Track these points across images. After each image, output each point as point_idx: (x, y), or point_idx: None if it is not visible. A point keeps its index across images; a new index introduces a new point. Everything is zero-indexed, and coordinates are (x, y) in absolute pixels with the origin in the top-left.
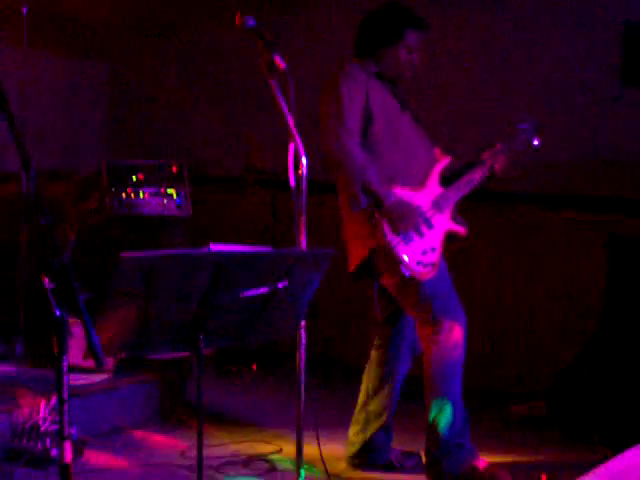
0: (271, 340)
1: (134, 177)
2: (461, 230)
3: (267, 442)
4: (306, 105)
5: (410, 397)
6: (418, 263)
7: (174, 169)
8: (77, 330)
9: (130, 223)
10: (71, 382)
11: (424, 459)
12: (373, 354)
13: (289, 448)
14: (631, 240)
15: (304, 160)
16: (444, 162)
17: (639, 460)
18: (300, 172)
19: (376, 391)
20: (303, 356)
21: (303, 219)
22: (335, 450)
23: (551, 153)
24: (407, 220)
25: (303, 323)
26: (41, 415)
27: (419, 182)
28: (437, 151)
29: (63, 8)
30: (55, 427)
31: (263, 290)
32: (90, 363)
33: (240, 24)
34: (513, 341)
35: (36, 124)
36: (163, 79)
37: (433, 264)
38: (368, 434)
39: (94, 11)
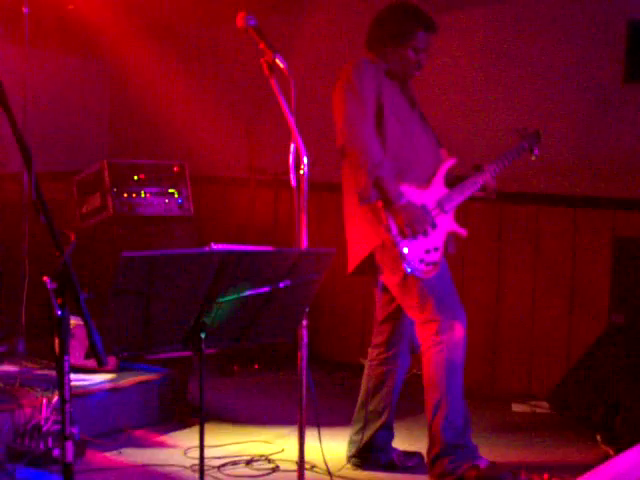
0: (273, 340)
1: (136, 177)
2: (463, 232)
3: (269, 442)
4: (307, 105)
5: (411, 396)
6: (421, 261)
7: (175, 169)
8: (79, 330)
9: (132, 223)
10: (73, 382)
11: (426, 458)
12: (372, 353)
13: (291, 448)
14: (635, 240)
15: (305, 160)
16: (450, 163)
17: None
18: (301, 172)
19: (376, 390)
20: (305, 355)
21: (304, 218)
22: (337, 449)
23: (553, 153)
24: (415, 224)
25: (305, 322)
26: (43, 415)
27: (425, 181)
28: (443, 152)
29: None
30: (57, 427)
31: (264, 290)
32: (92, 363)
33: (241, 24)
34: (515, 340)
35: (38, 124)
36: (165, 78)
37: (435, 263)
38: (369, 433)
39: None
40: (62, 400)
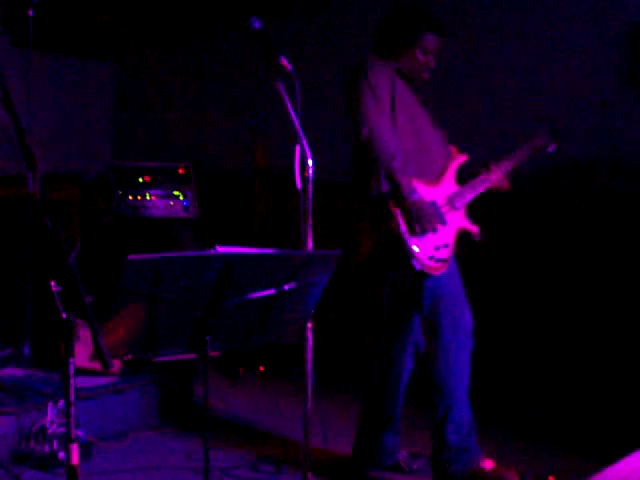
0: (278, 342)
1: (141, 179)
2: (474, 229)
3: (274, 444)
4: (312, 107)
5: (417, 397)
6: (430, 258)
7: (181, 171)
8: (84, 333)
9: (137, 225)
10: (78, 384)
11: (431, 461)
12: (378, 353)
13: (296, 450)
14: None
15: (310, 162)
16: (460, 160)
17: None
18: (306, 174)
19: (382, 392)
20: (310, 358)
21: (310, 220)
22: (342, 452)
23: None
24: (425, 221)
25: (310, 325)
26: (48, 418)
27: (435, 177)
28: (453, 149)
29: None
30: (62, 429)
31: (270, 292)
32: (97, 365)
33: (247, 26)
34: (520, 342)
35: (43, 126)
36: (170, 80)
37: (445, 260)
38: (375, 435)
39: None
40: (67, 403)
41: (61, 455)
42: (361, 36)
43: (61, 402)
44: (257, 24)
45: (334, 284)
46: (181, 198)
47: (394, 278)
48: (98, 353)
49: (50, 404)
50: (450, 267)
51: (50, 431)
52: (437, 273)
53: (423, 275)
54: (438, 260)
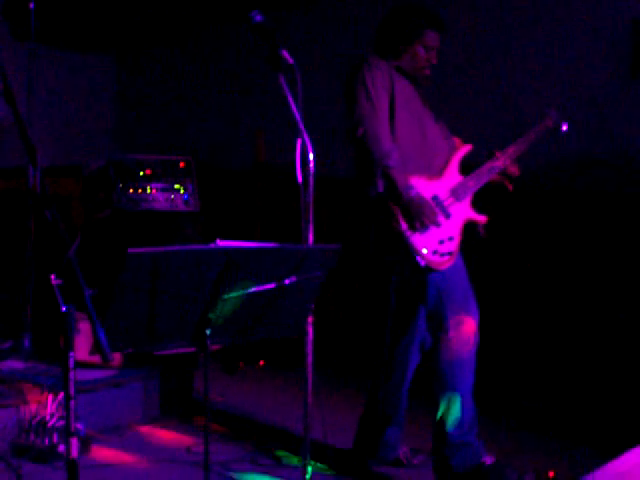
0: (278, 336)
1: (141, 173)
2: (481, 219)
3: (274, 438)
4: (314, 101)
5: (420, 393)
6: (434, 252)
7: (182, 164)
8: (84, 326)
9: (138, 219)
10: (78, 378)
11: (431, 456)
12: (383, 348)
13: (296, 443)
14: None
15: (311, 156)
16: (464, 150)
17: None
18: (307, 168)
19: (387, 386)
20: (310, 352)
21: (310, 215)
22: (343, 446)
23: (558, 149)
24: (424, 217)
25: (310, 319)
26: (48, 411)
27: (438, 171)
28: (457, 140)
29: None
30: (62, 423)
31: (270, 286)
32: (97, 359)
33: (248, 19)
34: (521, 336)
35: (44, 120)
36: (171, 74)
37: (450, 253)
38: (378, 430)
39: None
40: (67, 396)
41: (61, 448)
42: (362, 30)
43: (61, 395)
44: (258, 17)
45: (336, 278)
46: (182, 191)
47: (399, 273)
48: (98, 347)
49: (50, 397)
50: (456, 261)
51: (50, 424)
52: (443, 267)
53: (429, 270)
54: (443, 254)
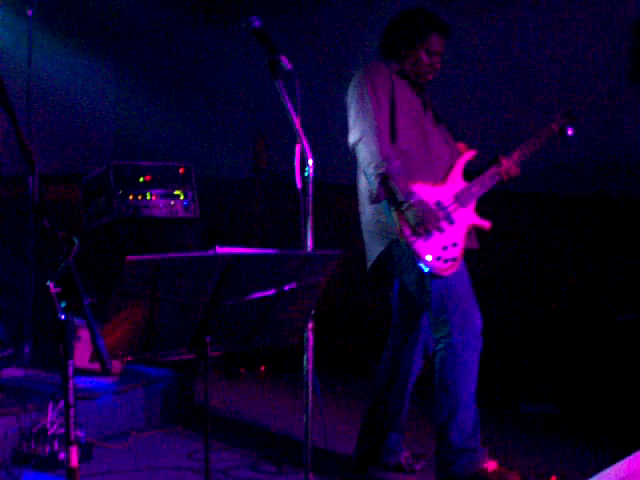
0: (278, 343)
1: (141, 179)
2: (486, 224)
3: (275, 444)
4: (313, 106)
5: (422, 398)
6: (438, 259)
7: (181, 171)
8: (85, 333)
9: (137, 225)
10: (79, 385)
11: (433, 461)
12: (386, 354)
13: (297, 450)
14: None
15: (310, 161)
16: (469, 155)
17: None
18: (306, 174)
19: (389, 391)
20: (311, 357)
21: (310, 220)
22: (344, 451)
23: (561, 152)
24: (426, 223)
25: (311, 325)
26: (49, 418)
27: (441, 177)
28: (461, 145)
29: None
30: (63, 430)
31: (270, 292)
32: (97, 366)
33: (246, 25)
34: (523, 340)
35: (44, 126)
36: (171, 80)
37: (454, 259)
38: (380, 435)
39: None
40: (66, 405)
41: (62, 456)
42: (362, 34)
43: (62, 403)
44: (257, 23)
45: (338, 283)
46: (182, 197)
47: (403, 279)
48: (97, 355)
49: (51, 405)
50: (461, 266)
51: (51, 432)
52: (447, 273)
53: (433, 276)
54: (447, 260)
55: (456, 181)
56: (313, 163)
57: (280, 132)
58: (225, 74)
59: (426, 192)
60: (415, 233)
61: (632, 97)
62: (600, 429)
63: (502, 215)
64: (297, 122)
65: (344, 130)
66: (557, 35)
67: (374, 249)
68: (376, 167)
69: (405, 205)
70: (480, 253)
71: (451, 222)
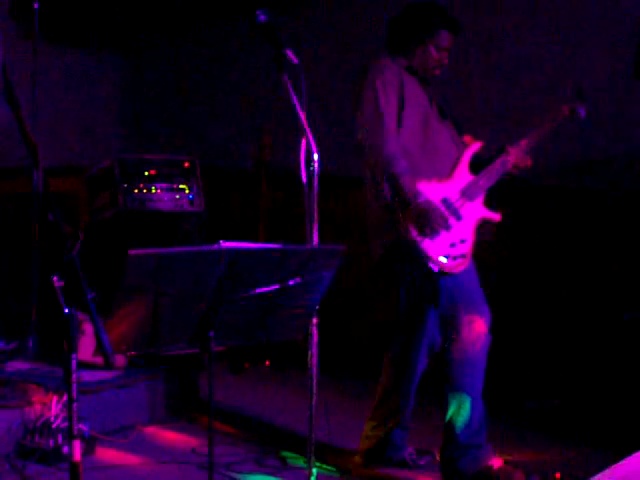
0: (283, 338)
1: (146, 172)
2: (495, 216)
3: (279, 439)
4: (318, 101)
5: (428, 394)
6: (447, 257)
7: (186, 164)
8: (88, 327)
9: (142, 219)
10: (82, 379)
11: (439, 457)
12: (392, 351)
13: (301, 445)
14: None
15: (315, 156)
16: (474, 148)
17: None
18: (311, 168)
19: (394, 388)
20: (315, 353)
21: (315, 215)
22: (348, 447)
23: (563, 149)
24: (433, 223)
25: (315, 320)
26: (53, 412)
27: (447, 173)
28: (467, 138)
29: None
30: (66, 424)
31: (274, 287)
32: (101, 359)
33: (252, 19)
34: (527, 337)
35: (49, 119)
36: (177, 74)
37: (464, 255)
38: (385, 431)
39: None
40: (69, 399)
41: (65, 450)
42: (369, 29)
43: (66, 396)
44: (263, 17)
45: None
46: (187, 191)
47: (411, 279)
48: (100, 349)
49: (55, 398)
50: (468, 263)
51: (54, 425)
52: (457, 270)
53: (443, 274)
54: (456, 257)
55: (462, 175)
56: (318, 157)
57: (286, 126)
58: (232, 67)
59: (432, 190)
60: (422, 233)
61: (636, 95)
62: (606, 427)
63: (506, 209)
64: (303, 117)
65: (350, 124)
66: (559, 33)
67: (380, 246)
68: (383, 166)
69: (412, 205)
70: (484, 247)
71: (458, 218)
